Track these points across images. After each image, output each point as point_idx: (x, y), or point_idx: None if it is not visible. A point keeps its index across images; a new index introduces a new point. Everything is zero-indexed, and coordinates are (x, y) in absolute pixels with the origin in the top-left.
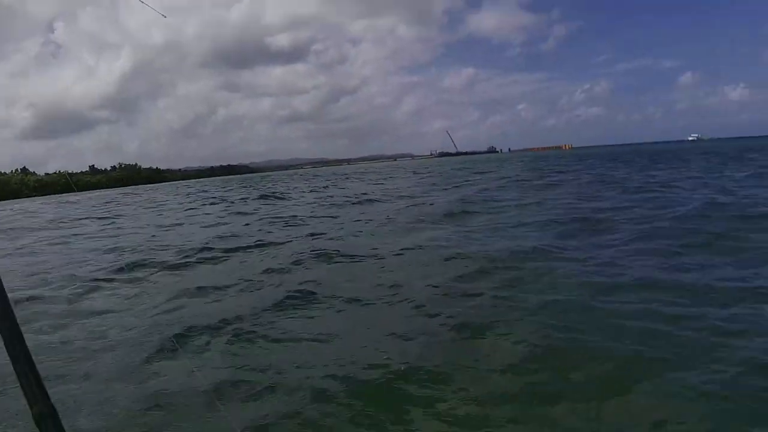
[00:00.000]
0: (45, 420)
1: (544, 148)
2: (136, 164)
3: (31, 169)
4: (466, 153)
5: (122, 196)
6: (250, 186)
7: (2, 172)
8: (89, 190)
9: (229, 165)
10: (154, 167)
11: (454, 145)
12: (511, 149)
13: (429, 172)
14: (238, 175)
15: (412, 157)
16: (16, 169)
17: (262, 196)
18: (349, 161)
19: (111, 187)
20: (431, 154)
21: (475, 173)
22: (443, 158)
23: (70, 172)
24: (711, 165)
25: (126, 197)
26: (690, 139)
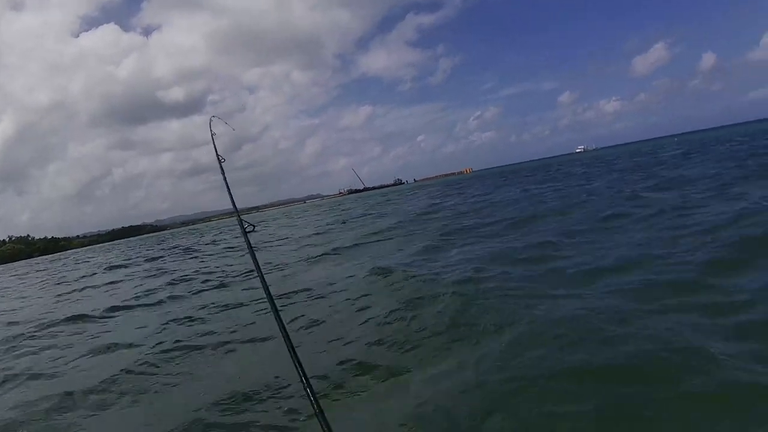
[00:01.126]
0: None
1: (446, 175)
2: (28, 235)
3: None
4: (373, 188)
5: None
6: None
7: None
8: None
9: (131, 226)
10: (50, 237)
11: (361, 181)
12: (416, 179)
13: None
14: (141, 236)
15: (322, 197)
16: None
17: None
18: (258, 208)
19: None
20: (340, 193)
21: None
22: (351, 195)
23: None
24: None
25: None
26: (577, 151)
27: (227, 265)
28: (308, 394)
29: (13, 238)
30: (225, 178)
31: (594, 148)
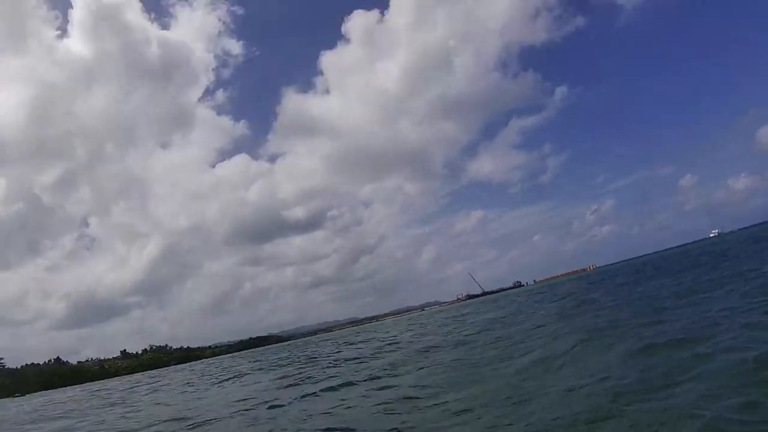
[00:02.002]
0: None
1: (568, 274)
2: (166, 345)
3: (64, 359)
4: (492, 292)
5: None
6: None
7: (36, 362)
8: (120, 375)
9: (258, 336)
10: (185, 346)
11: (479, 286)
12: (536, 280)
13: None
14: (268, 345)
15: (440, 304)
16: (50, 359)
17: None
18: (377, 317)
19: (143, 371)
20: (458, 299)
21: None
22: (469, 300)
23: (102, 357)
24: None
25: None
26: (711, 236)
27: None
28: None
29: (154, 348)
30: None
31: (730, 231)
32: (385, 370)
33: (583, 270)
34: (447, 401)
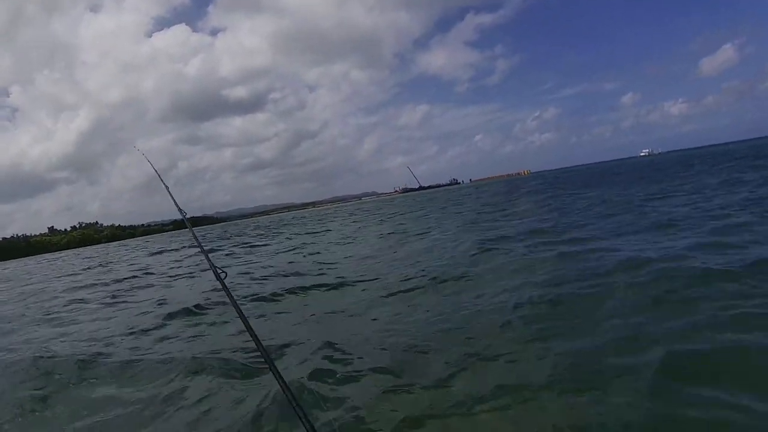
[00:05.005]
0: None
1: (503, 176)
2: (96, 222)
3: None
4: (429, 187)
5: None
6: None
7: None
8: (47, 252)
9: (193, 217)
10: (117, 224)
11: (417, 180)
12: (472, 179)
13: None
14: (201, 227)
15: (377, 195)
16: None
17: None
18: (314, 204)
19: (71, 248)
20: (395, 191)
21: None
22: (407, 194)
23: (28, 234)
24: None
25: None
26: (642, 154)
27: None
28: None
29: (83, 225)
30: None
31: (659, 152)
32: None
33: (518, 174)
34: None
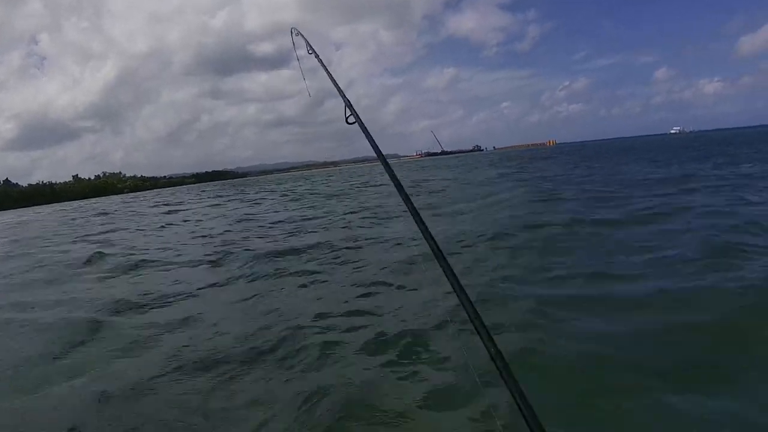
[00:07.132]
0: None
1: (528, 145)
2: (120, 173)
3: (13, 180)
4: (451, 152)
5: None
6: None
7: None
8: (70, 200)
9: (215, 171)
10: (139, 175)
11: (440, 144)
12: (496, 147)
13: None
14: (223, 181)
15: (399, 157)
16: None
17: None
18: (335, 163)
19: (94, 196)
20: (417, 154)
21: None
22: (429, 158)
23: (53, 182)
24: None
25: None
26: (672, 132)
27: None
28: None
29: (107, 174)
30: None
31: (690, 130)
32: None
33: (543, 144)
34: None
